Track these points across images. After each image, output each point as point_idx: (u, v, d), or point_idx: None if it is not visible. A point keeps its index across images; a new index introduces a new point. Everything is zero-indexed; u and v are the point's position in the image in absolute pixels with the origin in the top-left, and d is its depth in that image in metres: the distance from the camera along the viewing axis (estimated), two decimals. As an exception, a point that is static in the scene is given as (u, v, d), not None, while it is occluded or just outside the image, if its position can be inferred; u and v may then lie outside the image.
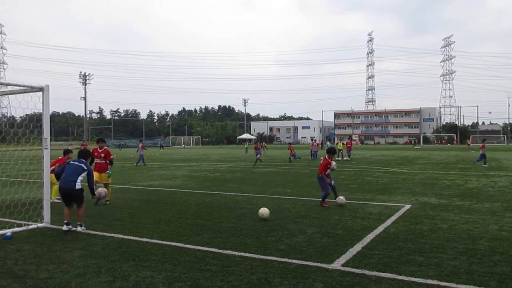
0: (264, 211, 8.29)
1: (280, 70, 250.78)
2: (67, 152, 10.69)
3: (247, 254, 5.83)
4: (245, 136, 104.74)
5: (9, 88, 8.36)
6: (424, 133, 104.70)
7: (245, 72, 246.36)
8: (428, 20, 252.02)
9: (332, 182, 10.34)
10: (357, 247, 6.16)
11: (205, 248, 6.15)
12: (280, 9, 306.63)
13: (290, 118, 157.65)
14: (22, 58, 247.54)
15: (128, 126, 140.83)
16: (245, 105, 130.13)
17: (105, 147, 11.00)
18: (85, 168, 7.56)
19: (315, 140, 36.60)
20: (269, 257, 5.68)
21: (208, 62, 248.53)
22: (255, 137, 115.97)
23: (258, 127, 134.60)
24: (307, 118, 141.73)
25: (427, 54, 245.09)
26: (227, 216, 8.70)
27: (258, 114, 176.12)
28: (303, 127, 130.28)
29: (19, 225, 7.69)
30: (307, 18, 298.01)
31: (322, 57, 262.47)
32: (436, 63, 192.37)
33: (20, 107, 8.00)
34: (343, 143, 33.65)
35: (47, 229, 7.58)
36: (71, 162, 7.74)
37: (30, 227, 7.66)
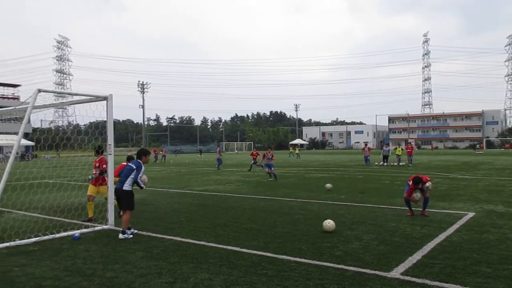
0: (328, 225, 7.69)
1: (331, 74, 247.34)
2: (130, 159, 11.14)
3: (303, 260, 5.82)
4: (297, 141, 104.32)
5: (76, 98, 8.97)
6: (487, 137, 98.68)
7: (296, 77, 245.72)
8: (488, 17, 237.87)
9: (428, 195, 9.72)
10: (417, 256, 5.95)
11: (261, 253, 6.22)
12: (330, 11, 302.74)
13: (343, 122, 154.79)
14: (84, 69, 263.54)
15: (183, 132, 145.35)
16: (296, 110, 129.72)
17: (102, 156, 9.37)
18: (134, 167, 7.58)
19: (367, 144, 35.49)
20: (324, 263, 5.64)
21: (258, 68, 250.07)
22: (307, 142, 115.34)
23: (310, 132, 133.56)
24: (360, 123, 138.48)
25: (489, 54, 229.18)
26: (281, 221, 8.72)
27: (310, 119, 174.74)
28: (356, 132, 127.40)
29: (86, 227, 8.22)
30: (358, 20, 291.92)
31: (374, 60, 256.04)
32: (500, 63, 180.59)
33: (86, 115, 8.60)
34: (402, 148, 32.38)
35: (112, 230, 8.00)
36: (128, 164, 8.05)
37: (96, 228, 8.14)
